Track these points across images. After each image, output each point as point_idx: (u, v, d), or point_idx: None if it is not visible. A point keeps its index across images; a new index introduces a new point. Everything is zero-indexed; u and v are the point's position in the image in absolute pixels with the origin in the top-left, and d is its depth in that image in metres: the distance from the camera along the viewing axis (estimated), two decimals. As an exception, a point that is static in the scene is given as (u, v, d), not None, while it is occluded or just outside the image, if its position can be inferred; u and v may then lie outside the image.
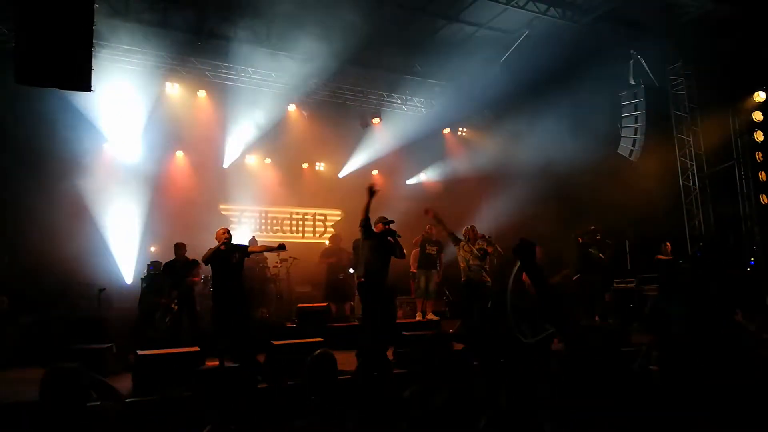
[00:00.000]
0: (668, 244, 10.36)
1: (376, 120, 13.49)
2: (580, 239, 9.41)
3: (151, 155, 11.08)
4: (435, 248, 10.33)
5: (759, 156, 10.81)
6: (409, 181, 14.42)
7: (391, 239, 7.20)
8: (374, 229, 7.22)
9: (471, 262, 8.19)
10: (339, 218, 13.72)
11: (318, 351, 3.62)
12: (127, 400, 5.17)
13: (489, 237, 8.63)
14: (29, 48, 6.94)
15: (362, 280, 7.24)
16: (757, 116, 10.79)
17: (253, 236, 10.58)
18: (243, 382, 5.82)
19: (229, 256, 7.12)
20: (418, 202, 12.74)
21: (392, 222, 7.32)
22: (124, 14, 10.22)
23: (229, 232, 7.26)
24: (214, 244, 7.20)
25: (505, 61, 12.11)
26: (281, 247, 7.54)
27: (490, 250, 8.37)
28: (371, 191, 6.96)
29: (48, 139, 9.57)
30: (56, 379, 2.96)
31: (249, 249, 7.54)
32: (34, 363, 7.08)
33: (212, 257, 7.10)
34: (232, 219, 12.42)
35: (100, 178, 10.35)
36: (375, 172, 13.71)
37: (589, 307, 9.29)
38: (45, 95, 8.55)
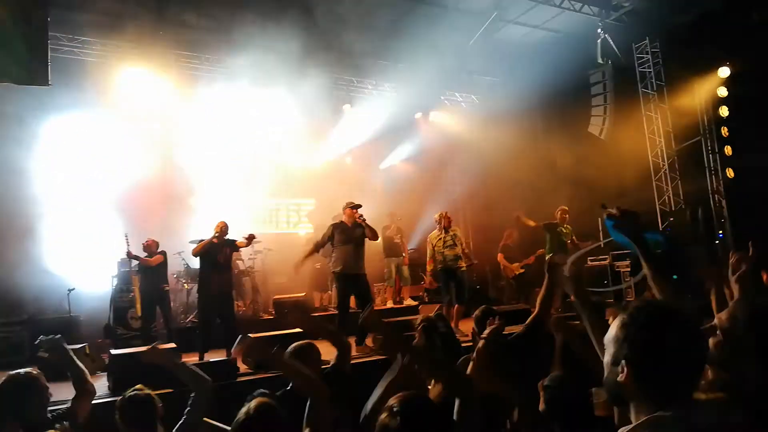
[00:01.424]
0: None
1: (347, 106, 13.37)
2: (531, 223, 9.48)
3: (115, 149, 10.77)
4: (398, 236, 10.41)
5: (725, 131, 11.02)
6: (382, 166, 14.34)
7: (360, 221, 7.21)
8: (343, 214, 7.27)
9: (446, 253, 8.18)
10: (312, 207, 13.59)
11: (301, 342, 3.58)
12: (103, 401, 5.05)
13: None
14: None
15: (335, 269, 7.28)
16: (722, 92, 10.98)
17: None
18: (226, 375, 5.75)
19: (221, 251, 7.03)
20: (392, 186, 12.76)
21: (359, 206, 7.32)
22: (80, 4, 9.89)
23: (226, 226, 7.16)
24: (184, 239, 7.10)
25: (475, 42, 12.07)
26: (250, 237, 7.51)
27: (457, 241, 8.37)
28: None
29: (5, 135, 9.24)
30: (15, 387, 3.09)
31: (237, 244, 7.48)
32: (6, 367, 6.93)
33: (203, 250, 7.00)
34: (201, 212, 12.15)
35: (60, 174, 10.04)
36: (348, 159, 13.61)
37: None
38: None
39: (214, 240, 6.99)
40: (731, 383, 1.98)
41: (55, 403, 3.52)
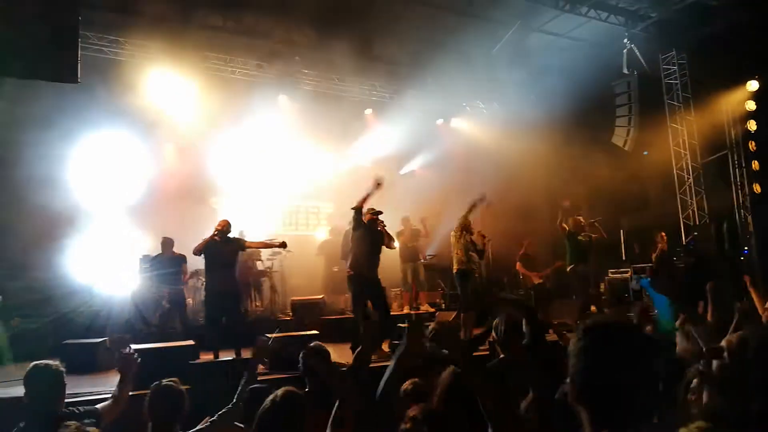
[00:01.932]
0: (663, 234, 10.37)
1: (368, 111, 13.43)
2: (564, 226, 9.30)
3: (139, 148, 10.93)
4: (414, 240, 10.39)
5: (752, 145, 10.84)
6: (402, 171, 14.32)
7: (380, 228, 7.20)
8: (364, 218, 7.25)
9: (471, 252, 8.16)
10: (332, 210, 13.63)
11: (312, 344, 3.61)
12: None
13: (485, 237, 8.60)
14: (15, 40, 6.84)
15: (351, 272, 7.24)
16: (750, 105, 10.81)
17: (241, 231, 10.44)
18: (238, 374, 5.77)
19: (223, 249, 7.02)
20: (411, 193, 12.75)
21: (380, 213, 7.32)
22: (111, 4, 10.09)
23: (228, 225, 7.16)
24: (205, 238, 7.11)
25: (498, 51, 12.04)
26: (283, 244, 7.47)
27: (482, 246, 8.39)
28: (377, 184, 7.00)
29: (27, 131, 9.43)
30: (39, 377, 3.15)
31: (246, 244, 7.46)
32: (27, 359, 7.06)
33: (204, 248, 6.99)
34: (223, 212, 12.27)
35: (85, 172, 10.20)
36: (368, 164, 13.62)
37: (585, 300, 9.23)
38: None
39: (216, 238, 6.96)
40: (723, 410, 1.94)
41: (74, 395, 3.58)
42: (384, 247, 7.37)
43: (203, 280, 9.55)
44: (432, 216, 10.87)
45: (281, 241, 7.50)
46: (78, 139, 10.05)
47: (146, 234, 10.71)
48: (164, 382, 3.10)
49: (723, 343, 2.25)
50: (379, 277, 7.32)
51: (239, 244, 7.31)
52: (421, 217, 10.79)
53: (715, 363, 2.27)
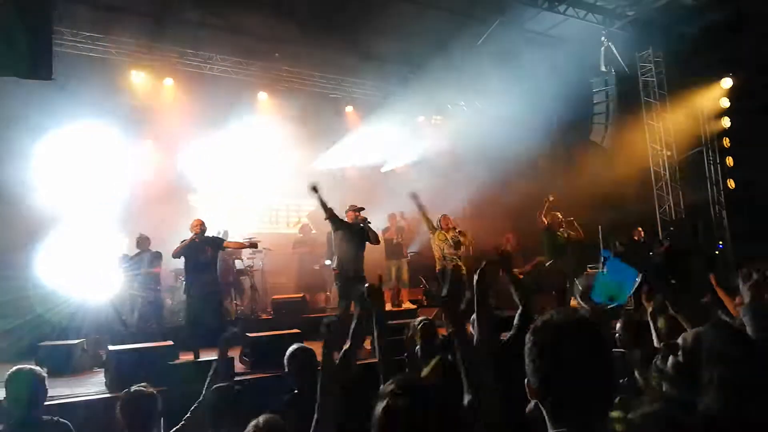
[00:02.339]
0: (639, 229, 10.52)
1: (349, 108, 13.39)
2: (544, 219, 9.38)
3: (116, 145, 10.75)
4: (399, 236, 10.40)
5: (726, 142, 11.05)
6: (383, 169, 14.32)
7: (363, 225, 7.22)
8: (346, 217, 7.25)
9: (446, 251, 8.20)
10: (313, 208, 13.56)
11: (297, 346, 3.58)
12: (100, 396, 5.04)
13: (459, 231, 8.64)
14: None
15: (337, 271, 7.25)
16: (724, 103, 11.02)
17: (225, 230, 10.35)
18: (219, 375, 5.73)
19: (203, 249, 6.95)
20: (392, 189, 12.74)
21: (362, 209, 7.33)
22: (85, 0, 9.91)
23: (203, 224, 7.08)
24: (185, 235, 7.04)
25: (479, 47, 12.07)
26: (253, 245, 7.46)
27: (464, 240, 8.42)
28: (314, 189, 7.09)
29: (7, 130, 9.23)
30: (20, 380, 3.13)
31: (224, 244, 7.42)
32: (2, 360, 6.92)
33: (184, 250, 6.93)
34: (202, 210, 12.15)
35: (60, 170, 10.01)
36: (350, 161, 13.59)
37: (562, 293, 9.33)
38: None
39: (195, 239, 6.91)
40: (676, 399, 1.97)
41: (50, 398, 3.53)
42: (370, 245, 7.39)
43: (182, 279, 9.49)
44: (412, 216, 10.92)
45: (252, 240, 7.45)
46: (52, 137, 9.86)
47: (124, 233, 10.56)
48: (134, 387, 3.07)
49: (679, 339, 2.28)
50: (364, 275, 7.33)
51: (218, 243, 7.24)
52: (390, 213, 10.82)
53: (671, 359, 2.30)
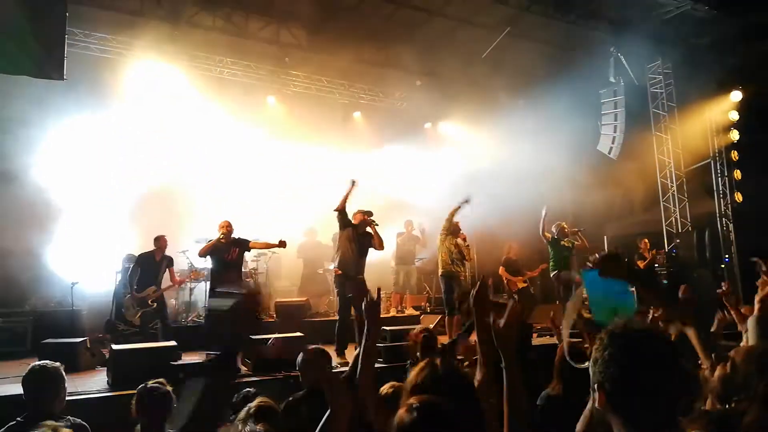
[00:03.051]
0: (645, 240, 10.49)
1: (357, 114, 13.44)
2: (547, 235, 9.44)
3: (125, 145, 10.82)
4: (412, 244, 10.40)
5: (734, 155, 11.01)
6: (390, 173, 14.30)
7: (370, 229, 7.21)
8: (353, 219, 7.23)
9: (455, 256, 8.19)
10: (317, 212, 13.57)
11: (312, 348, 3.61)
12: (101, 395, 5.06)
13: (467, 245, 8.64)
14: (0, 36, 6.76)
15: (338, 271, 7.23)
16: (733, 116, 10.98)
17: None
18: (226, 374, 5.77)
19: (229, 250, 7.02)
20: (397, 193, 12.75)
21: (371, 213, 7.32)
22: (98, 1, 9.99)
23: (230, 225, 7.14)
24: (190, 236, 7.11)
25: (487, 57, 12.09)
26: (282, 244, 7.44)
27: (467, 253, 8.43)
28: (353, 183, 7.16)
29: (11, 126, 9.31)
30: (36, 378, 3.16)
31: (250, 245, 7.45)
32: (6, 358, 6.97)
33: (210, 250, 7.01)
34: (209, 211, 12.18)
35: (69, 168, 10.08)
36: (356, 165, 13.58)
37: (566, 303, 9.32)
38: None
39: (222, 240, 7.00)
40: (723, 418, 1.96)
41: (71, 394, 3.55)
42: (375, 250, 7.37)
43: (188, 281, 9.53)
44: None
45: (281, 240, 7.44)
46: (62, 135, 9.94)
47: (130, 232, 10.61)
48: (150, 383, 3.11)
49: (732, 353, 2.26)
50: (366, 278, 7.32)
51: (244, 244, 7.29)
52: (421, 227, 10.83)
53: (718, 371, 2.28)
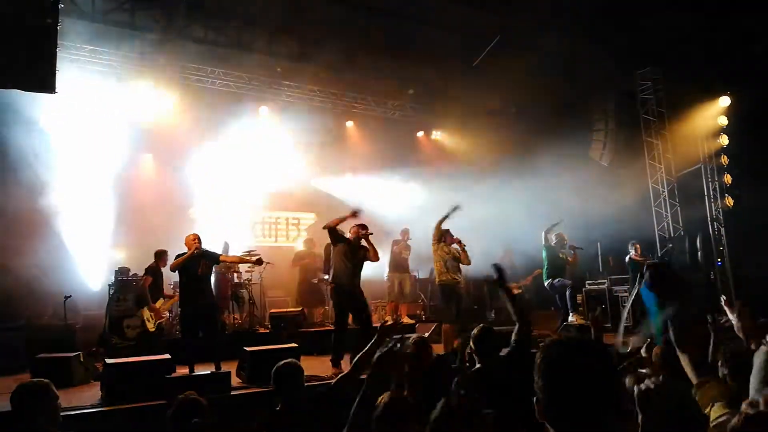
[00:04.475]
0: (637, 245, 10.54)
1: (349, 123, 13.48)
2: (551, 239, 9.48)
3: (117, 158, 10.79)
4: (407, 252, 10.40)
5: (725, 159, 11.11)
6: (382, 183, 14.33)
7: (365, 241, 7.24)
8: (349, 233, 7.27)
9: (449, 263, 8.20)
10: (313, 222, 13.59)
11: (284, 362, 3.56)
12: (96, 410, 5.03)
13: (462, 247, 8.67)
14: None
15: (332, 285, 7.27)
16: (723, 121, 11.09)
17: (225, 242, 10.36)
18: (219, 388, 5.74)
19: (199, 263, 6.96)
20: (391, 203, 12.76)
21: (365, 227, 7.35)
22: (90, 14, 10.00)
23: (199, 238, 7.10)
24: (182, 249, 7.06)
25: (478, 64, 12.17)
26: (259, 261, 7.43)
27: (463, 257, 8.43)
28: (354, 213, 7.22)
29: (5, 141, 9.29)
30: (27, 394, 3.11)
31: (221, 258, 7.43)
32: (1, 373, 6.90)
33: (182, 265, 6.94)
34: (202, 223, 12.16)
35: (61, 181, 10.05)
36: (349, 175, 13.61)
37: (563, 310, 9.34)
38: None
39: (194, 253, 6.93)
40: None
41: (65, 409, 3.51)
42: (371, 262, 7.42)
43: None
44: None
45: (257, 257, 7.46)
46: (54, 147, 9.92)
47: (123, 246, 10.59)
48: (187, 394, 3.24)
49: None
50: (362, 289, 7.35)
51: (213, 257, 7.25)
52: (404, 228, 10.83)
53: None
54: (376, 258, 7.38)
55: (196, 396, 3.21)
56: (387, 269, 10.75)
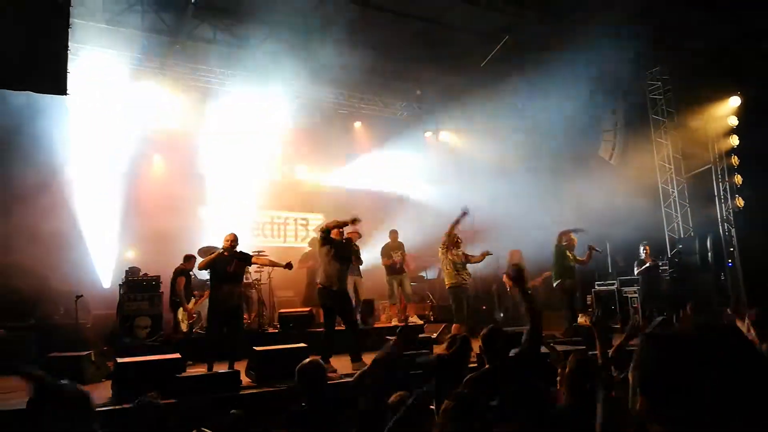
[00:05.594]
0: (647, 246, 10.49)
1: (357, 124, 13.50)
2: (561, 240, 9.43)
3: (127, 159, 10.87)
4: (398, 253, 10.42)
5: (735, 160, 11.02)
6: (390, 183, 14.33)
7: (353, 247, 7.38)
8: (331, 235, 7.33)
9: (458, 265, 8.27)
10: (320, 222, 13.61)
11: (308, 360, 3.60)
12: (106, 408, 5.07)
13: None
14: (2, 50, 6.81)
15: (320, 285, 7.32)
16: (733, 121, 11.01)
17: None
18: (228, 387, 5.78)
19: (230, 262, 7.03)
20: (399, 203, 12.76)
21: (359, 237, 7.48)
22: (100, 16, 10.06)
23: (236, 239, 7.16)
24: (192, 249, 7.12)
25: (486, 64, 12.15)
26: (289, 265, 7.47)
27: (471, 259, 8.52)
28: (353, 220, 7.32)
29: (18, 141, 9.38)
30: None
31: (252, 260, 7.48)
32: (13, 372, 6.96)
33: (211, 262, 7.02)
34: (211, 223, 12.22)
35: (74, 181, 10.14)
36: (357, 175, 13.63)
37: (570, 312, 9.30)
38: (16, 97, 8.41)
39: (225, 253, 7.00)
40: None
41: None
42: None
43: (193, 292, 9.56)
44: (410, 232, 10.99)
45: (288, 261, 7.49)
46: (65, 148, 10.00)
47: (133, 246, 10.66)
48: (235, 412, 3.29)
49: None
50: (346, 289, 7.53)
51: (245, 258, 7.31)
52: (392, 230, 10.81)
53: None
54: (358, 260, 7.51)
55: (155, 397, 3.17)
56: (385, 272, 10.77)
